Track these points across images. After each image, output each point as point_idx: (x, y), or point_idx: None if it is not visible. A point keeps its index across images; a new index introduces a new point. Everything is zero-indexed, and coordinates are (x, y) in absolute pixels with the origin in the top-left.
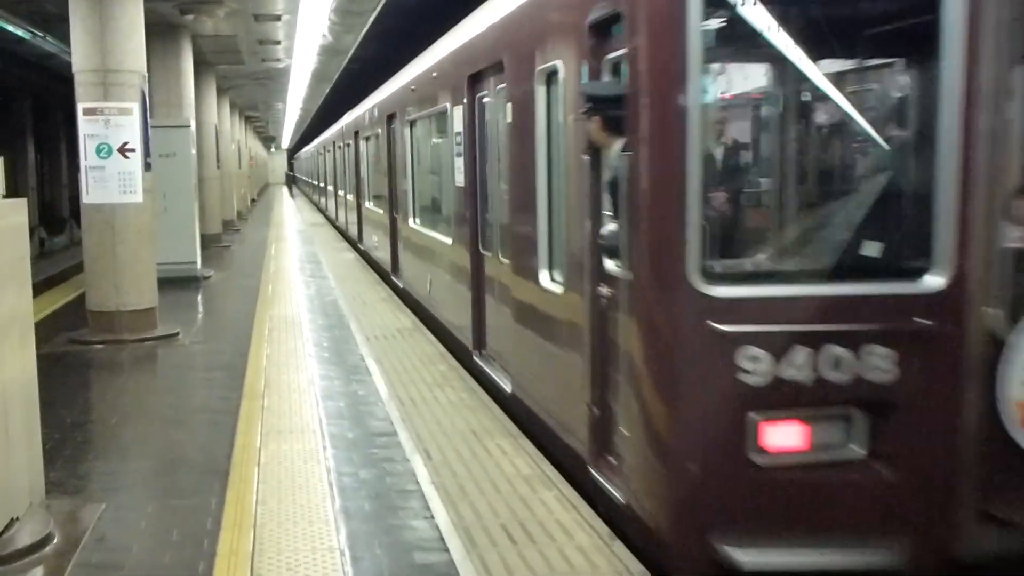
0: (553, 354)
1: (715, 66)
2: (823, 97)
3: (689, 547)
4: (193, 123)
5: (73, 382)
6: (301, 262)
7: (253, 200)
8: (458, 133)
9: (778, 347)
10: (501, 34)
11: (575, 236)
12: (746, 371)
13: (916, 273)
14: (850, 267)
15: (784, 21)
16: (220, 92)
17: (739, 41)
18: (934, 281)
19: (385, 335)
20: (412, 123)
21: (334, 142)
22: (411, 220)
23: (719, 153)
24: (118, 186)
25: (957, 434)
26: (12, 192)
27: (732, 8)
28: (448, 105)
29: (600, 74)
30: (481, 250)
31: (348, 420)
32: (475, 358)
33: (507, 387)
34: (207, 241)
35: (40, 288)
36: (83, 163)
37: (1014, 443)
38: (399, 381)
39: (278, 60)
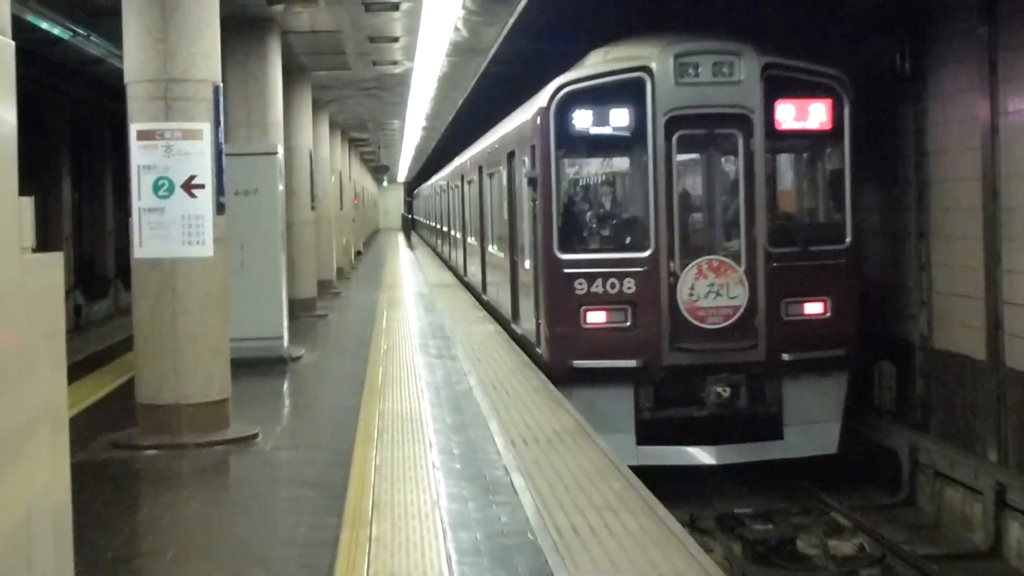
0: (524, 289)
1: (564, 166)
2: (603, 176)
3: (558, 361)
4: (281, 149)
5: (117, 501)
6: (423, 337)
7: (359, 252)
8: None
9: (590, 278)
10: (512, 137)
11: (530, 240)
12: (578, 289)
13: (644, 248)
14: (619, 246)
15: (580, 152)
16: (317, 108)
17: (571, 157)
18: (649, 251)
19: (537, 438)
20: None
21: (462, 175)
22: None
23: (564, 201)
24: (181, 234)
25: (661, 314)
26: (43, 244)
27: (567, 149)
28: (502, 168)
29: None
30: (513, 256)
31: (487, 559)
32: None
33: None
34: (297, 308)
35: (76, 372)
36: (135, 204)
37: (684, 317)
38: (556, 504)
39: (394, 63)
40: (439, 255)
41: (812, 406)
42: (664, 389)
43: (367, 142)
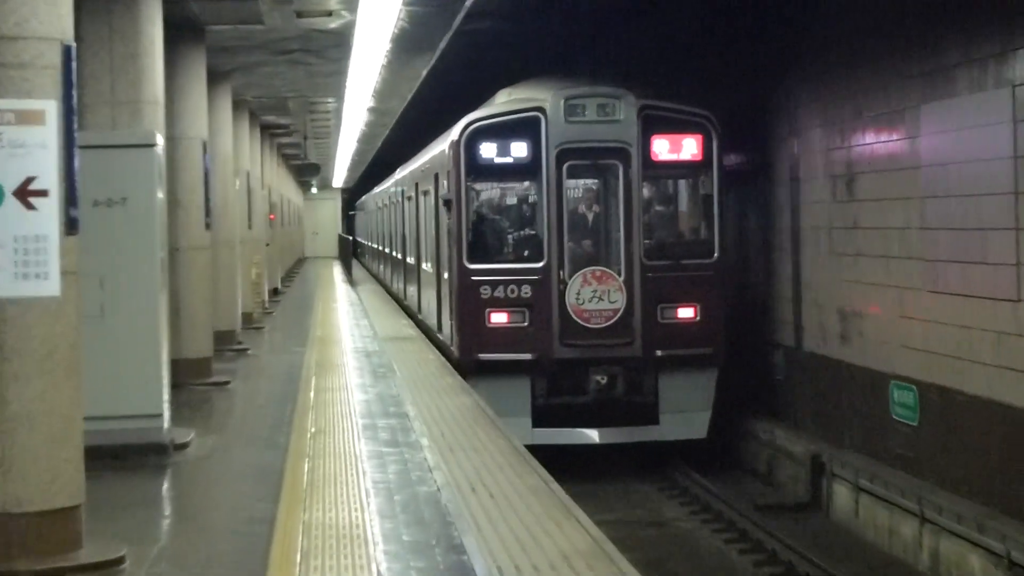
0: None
1: (472, 190)
2: (505, 198)
3: (467, 356)
4: (162, 140)
5: None
6: (369, 416)
7: (276, 290)
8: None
9: (494, 285)
10: (437, 160)
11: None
12: (483, 294)
13: (539, 260)
14: (518, 258)
15: (485, 178)
16: (216, 80)
17: (478, 182)
18: (542, 262)
19: (536, 565)
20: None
21: (404, 189)
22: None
23: (473, 219)
24: (12, 264)
25: (552, 315)
26: None
27: (475, 176)
28: (431, 187)
29: (447, 189)
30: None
31: None
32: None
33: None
34: (185, 372)
35: None
36: None
37: (571, 317)
38: None
39: (328, 14)
40: (391, 293)
41: (685, 397)
42: (555, 379)
43: (288, 131)
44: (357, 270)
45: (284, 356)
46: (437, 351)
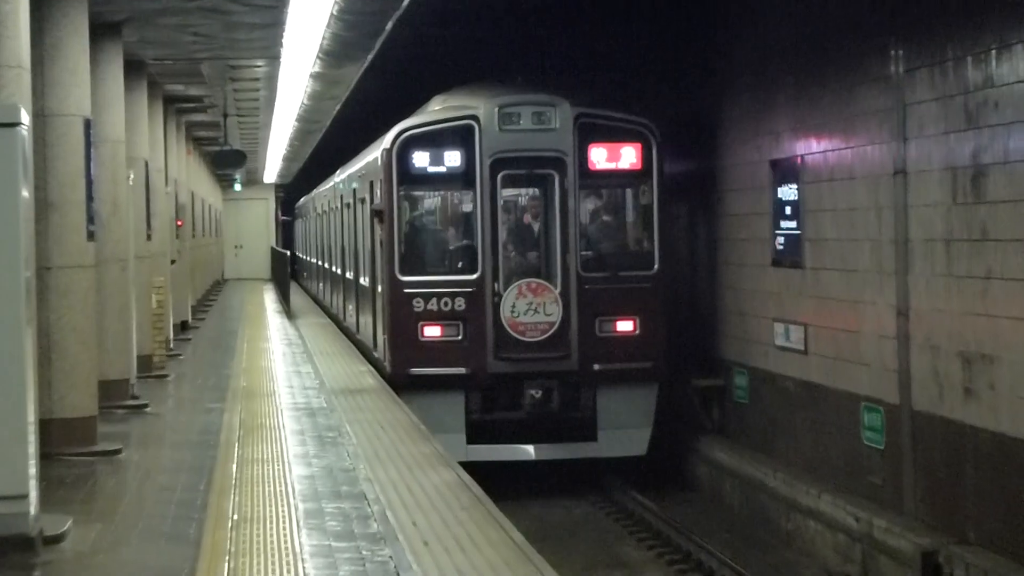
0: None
1: (404, 199)
2: (438, 209)
3: (398, 370)
4: (27, 117)
5: None
6: (314, 498)
7: (185, 324)
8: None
9: (426, 297)
10: (372, 167)
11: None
12: (416, 307)
13: (473, 271)
14: (451, 270)
15: (418, 188)
16: (102, 37)
17: (410, 192)
18: (477, 274)
19: None
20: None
21: (354, 188)
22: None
23: (405, 230)
24: None
25: (486, 327)
26: None
27: (407, 185)
28: (367, 195)
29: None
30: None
31: None
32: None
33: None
34: (60, 437)
35: None
36: None
37: (506, 331)
38: None
39: None
40: (339, 322)
41: (624, 412)
42: (490, 394)
43: (202, 105)
44: (298, 296)
45: (196, 415)
46: (402, 405)
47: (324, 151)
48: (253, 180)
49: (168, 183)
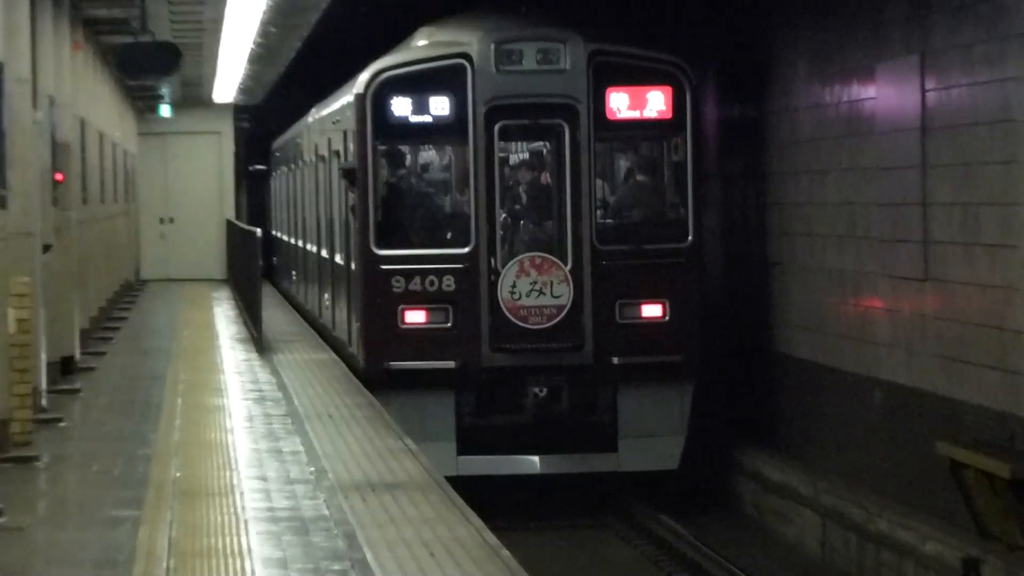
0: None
1: (381, 156)
2: (423, 168)
3: (374, 364)
4: None
5: None
6: None
7: (69, 362)
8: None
9: (408, 275)
10: (344, 116)
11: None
12: (395, 287)
13: (464, 244)
14: (439, 242)
15: (398, 142)
16: None
17: (389, 147)
18: (469, 247)
19: None
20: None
21: (329, 138)
22: None
23: (383, 194)
24: None
25: (481, 312)
26: None
27: (384, 139)
28: (341, 147)
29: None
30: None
31: None
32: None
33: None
34: None
35: None
36: None
37: (505, 316)
38: None
39: None
40: (327, 335)
41: (651, 417)
42: (486, 394)
43: None
44: (277, 311)
45: (90, 532)
46: (470, 515)
47: (324, 45)
48: (195, 99)
49: (38, 104)
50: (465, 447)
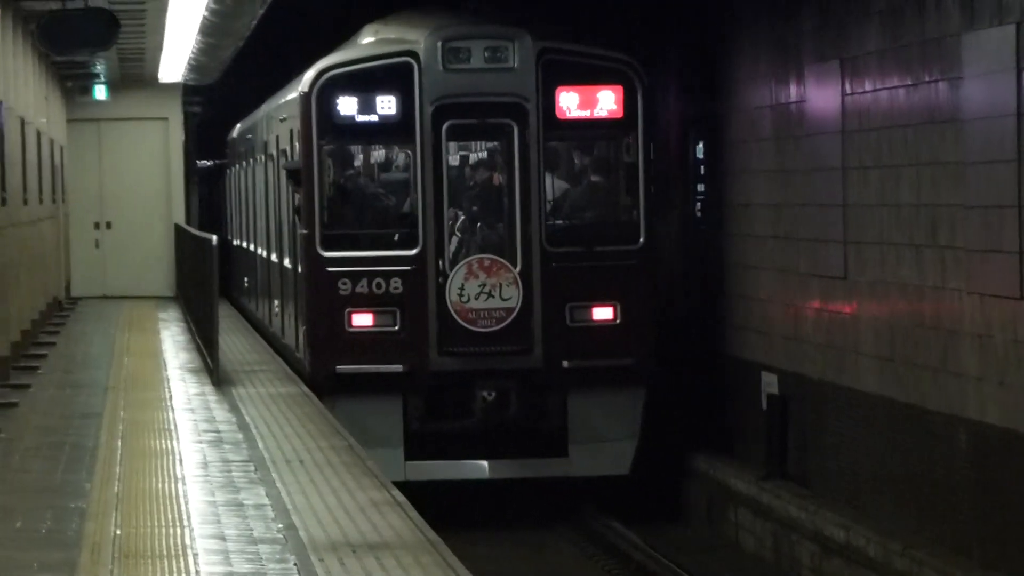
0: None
1: (324, 156)
2: (369, 168)
3: (320, 368)
4: None
5: None
6: None
7: None
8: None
9: (355, 277)
10: (290, 113)
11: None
12: (342, 289)
13: (412, 246)
14: (386, 244)
15: (344, 142)
16: None
17: (334, 146)
18: (416, 249)
19: None
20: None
21: (277, 135)
22: None
23: (329, 195)
24: None
25: (429, 315)
26: None
27: (330, 139)
28: (288, 146)
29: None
30: None
31: None
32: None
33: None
34: None
35: None
36: None
37: (454, 319)
38: None
39: None
40: (278, 346)
41: (602, 421)
42: (434, 398)
43: None
44: (236, 336)
45: None
46: None
47: (290, 11)
48: (136, 78)
49: None
50: (413, 452)
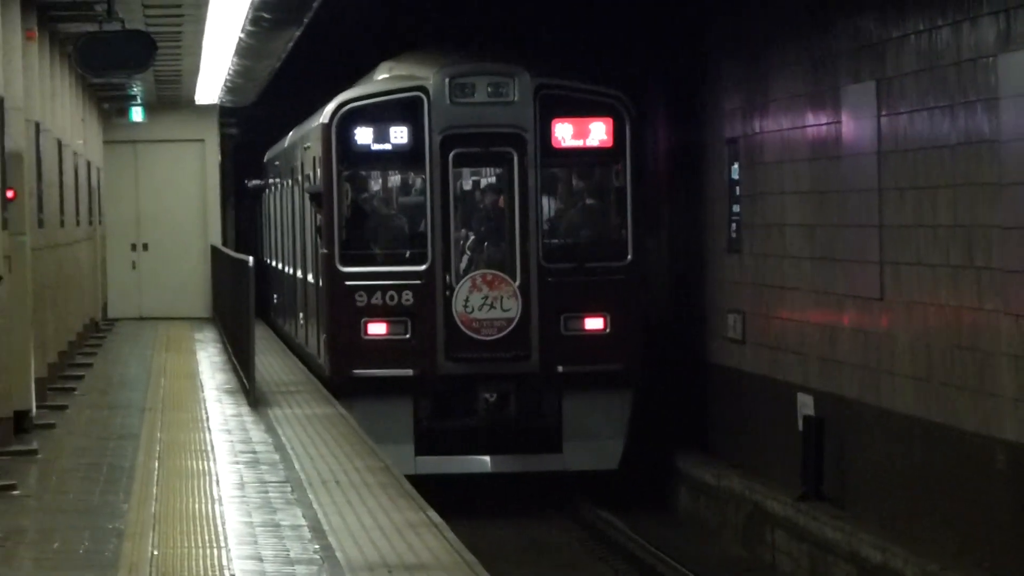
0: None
1: (345, 181)
2: (384, 191)
3: (339, 372)
4: None
5: None
6: None
7: (23, 418)
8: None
9: (370, 290)
10: (312, 142)
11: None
12: (358, 301)
13: (421, 262)
14: (398, 260)
15: (361, 168)
16: None
17: (352, 172)
18: (426, 265)
19: None
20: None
21: (302, 161)
22: None
23: (347, 216)
24: None
25: (437, 324)
26: None
27: (348, 165)
28: (311, 171)
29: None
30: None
31: None
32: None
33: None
34: None
35: None
36: None
37: (460, 328)
38: None
39: None
40: (303, 354)
41: (593, 421)
42: (441, 399)
43: None
44: (273, 356)
45: None
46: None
47: (327, 33)
48: (172, 100)
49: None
50: (422, 448)
